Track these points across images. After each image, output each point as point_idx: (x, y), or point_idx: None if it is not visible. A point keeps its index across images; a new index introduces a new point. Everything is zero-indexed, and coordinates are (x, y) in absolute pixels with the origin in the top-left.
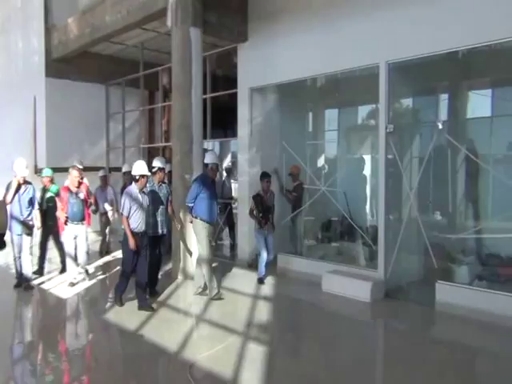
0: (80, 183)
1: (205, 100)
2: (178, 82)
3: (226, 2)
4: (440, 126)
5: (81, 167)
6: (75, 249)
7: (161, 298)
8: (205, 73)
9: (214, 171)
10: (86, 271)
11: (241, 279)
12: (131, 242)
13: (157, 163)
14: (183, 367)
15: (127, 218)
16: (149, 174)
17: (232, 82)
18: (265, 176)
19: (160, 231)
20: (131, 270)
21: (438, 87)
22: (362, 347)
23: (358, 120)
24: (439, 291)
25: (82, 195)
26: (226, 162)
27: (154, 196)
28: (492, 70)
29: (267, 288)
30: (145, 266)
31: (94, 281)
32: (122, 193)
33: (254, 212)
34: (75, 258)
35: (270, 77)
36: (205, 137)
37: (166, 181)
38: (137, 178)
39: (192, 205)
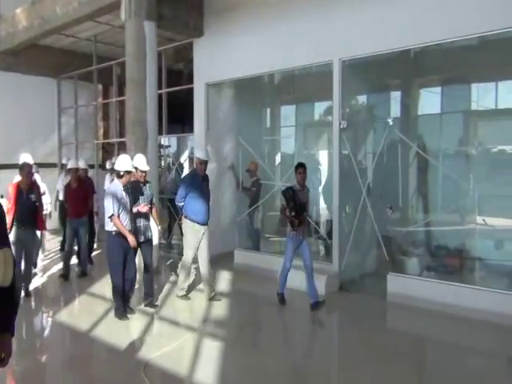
0: (32, 183)
1: (160, 95)
2: (132, 76)
3: None
4: (391, 123)
5: (31, 163)
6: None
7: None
8: (160, 67)
9: (199, 166)
10: (27, 291)
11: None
12: (131, 239)
13: (140, 165)
14: (138, 367)
15: (118, 216)
16: (133, 170)
17: (190, 76)
18: (299, 166)
19: (142, 237)
20: (123, 281)
21: (391, 84)
22: (317, 339)
23: (315, 116)
24: (390, 282)
25: (33, 197)
26: (183, 158)
27: (134, 196)
28: (441, 68)
29: (224, 284)
30: (133, 269)
31: (45, 281)
32: (65, 191)
33: (286, 211)
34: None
35: (226, 72)
36: (161, 132)
37: (149, 180)
38: (121, 173)
39: (182, 204)
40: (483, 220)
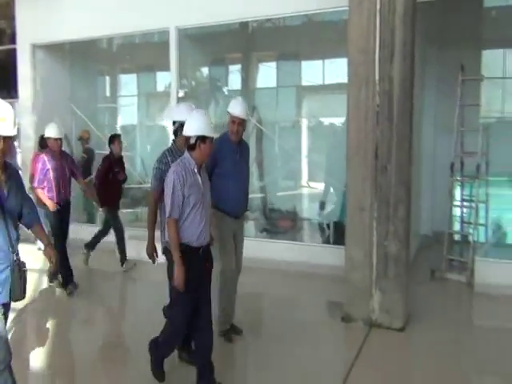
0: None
1: None
2: None
3: None
4: (226, 93)
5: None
6: None
7: None
8: None
9: (232, 127)
10: None
11: None
12: (181, 276)
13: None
14: None
15: (176, 223)
16: (212, 134)
17: (14, 36)
18: None
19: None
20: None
21: (232, 58)
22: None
23: (157, 86)
24: None
25: None
26: None
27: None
28: (276, 44)
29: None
30: (210, 314)
31: None
32: None
33: None
34: None
35: (55, 33)
36: None
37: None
38: (191, 142)
39: None
40: (308, 184)
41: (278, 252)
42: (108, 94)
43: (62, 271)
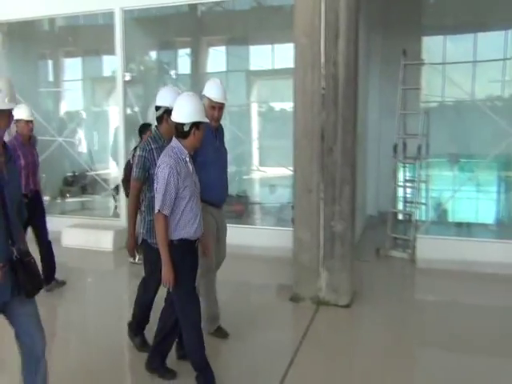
0: None
1: None
2: None
3: None
4: (174, 76)
5: None
6: None
7: None
8: None
9: (210, 112)
10: None
11: None
12: (169, 274)
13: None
14: None
15: (165, 219)
16: (205, 119)
17: None
18: None
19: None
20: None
21: (181, 41)
22: (108, 295)
23: (104, 70)
24: None
25: None
26: None
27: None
28: (226, 29)
29: None
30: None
31: None
32: None
33: None
34: None
35: None
36: None
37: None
38: (185, 129)
39: None
40: (258, 168)
41: (230, 236)
42: (51, 78)
43: None
